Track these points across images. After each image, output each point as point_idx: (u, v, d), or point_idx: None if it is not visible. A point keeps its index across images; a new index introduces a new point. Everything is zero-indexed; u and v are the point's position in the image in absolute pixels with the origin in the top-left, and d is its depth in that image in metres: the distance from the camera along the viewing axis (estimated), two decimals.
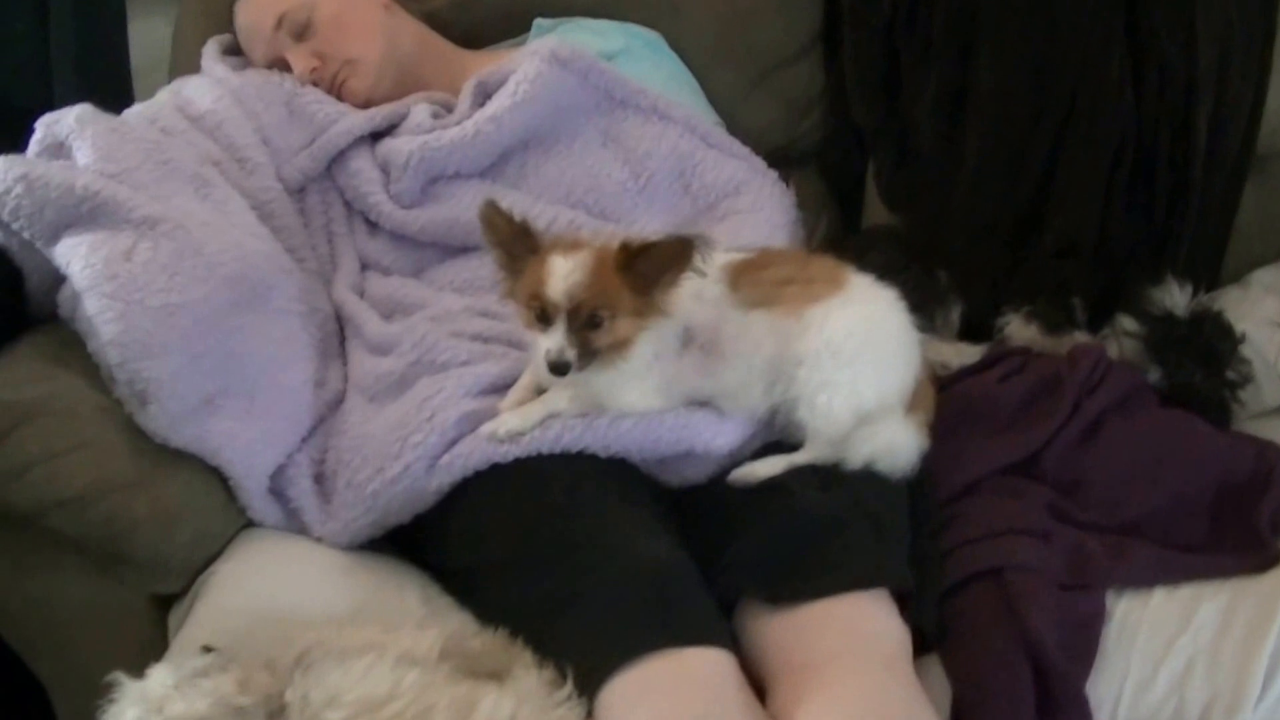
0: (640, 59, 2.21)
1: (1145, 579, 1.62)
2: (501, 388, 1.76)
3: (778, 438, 1.73)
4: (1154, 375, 1.83)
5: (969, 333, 1.97)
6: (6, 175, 1.80)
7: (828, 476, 1.65)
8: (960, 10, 2.03)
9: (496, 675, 1.60)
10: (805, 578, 1.54)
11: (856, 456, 1.66)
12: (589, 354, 1.58)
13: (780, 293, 1.69)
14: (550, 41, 2.05)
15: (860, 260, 1.95)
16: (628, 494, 1.67)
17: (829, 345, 1.66)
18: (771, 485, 1.67)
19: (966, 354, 1.93)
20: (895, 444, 1.68)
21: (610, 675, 1.46)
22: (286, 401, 1.83)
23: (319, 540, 1.81)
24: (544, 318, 1.57)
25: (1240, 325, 1.87)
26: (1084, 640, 1.55)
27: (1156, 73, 1.95)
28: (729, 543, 1.61)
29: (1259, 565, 1.62)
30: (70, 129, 1.91)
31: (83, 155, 1.87)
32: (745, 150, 2.13)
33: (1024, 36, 1.97)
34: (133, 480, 1.71)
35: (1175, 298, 1.85)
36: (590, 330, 1.57)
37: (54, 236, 1.80)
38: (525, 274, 1.59)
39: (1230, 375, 1.83)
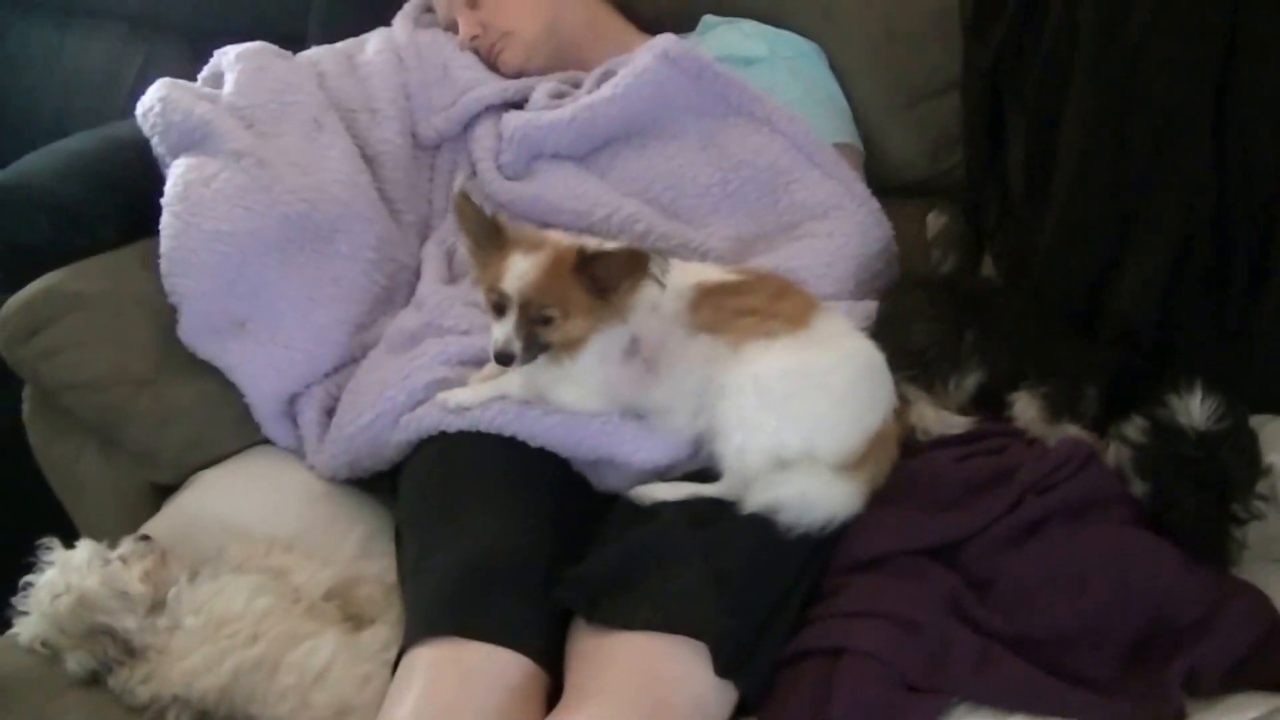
0: (778, 68, 2.21)
1: (1005, 700, 1.48)
2: (482, 361, 1.84)
3: (704, 465, 1.68)
4: (1140, 489, 1.62)
5: (985, 403, 1.81)
6: (152, 94, 2.11)
7: (710, 514, 1.60)
8: (1052, 69, 1.85)
9: (367, 622, 1.70)
10: (620, 605, 1.55)
11: (758, 499, 1.62)
12: (536, 348, 1.65)
13: (734, 322, 1.69)
14: (668, 39, 2.10)
15: (893, 303, 1.88)
16: (523, 485, 1.73)
17: (756, 383, 1.64)
18: (650, 510, 1.66)
19: (951, 424, 1.79)
20: (808, 498, 1.62)
21: (409, 647, 1.56)
22: (309, 338, 2.01)
23: (310, 469, 1.95)
24: (499, 308, 1.65)
25: (1272, 456, 1.62)
26: None
27: (1242, 165, 1.70)
28: (588, 553, 1.61)
29: None
30: (229, 62, 2.16)
31: (227, 86, 2.16)
32: (850, 175, 2.08)
33: (1109, 110, 1.78)
34: (143, 378, 1.97)
35: (1193, 408, 1.62)
36: (540, 326, 1.64)
37: (174, 153, 2.07)
38: (489, 265, 1.66)
39: (1236, 508, 1.59)
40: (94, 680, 1.67)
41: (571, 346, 1.66)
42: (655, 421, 1.72)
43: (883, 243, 2.06)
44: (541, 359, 1.66)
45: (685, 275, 1.71)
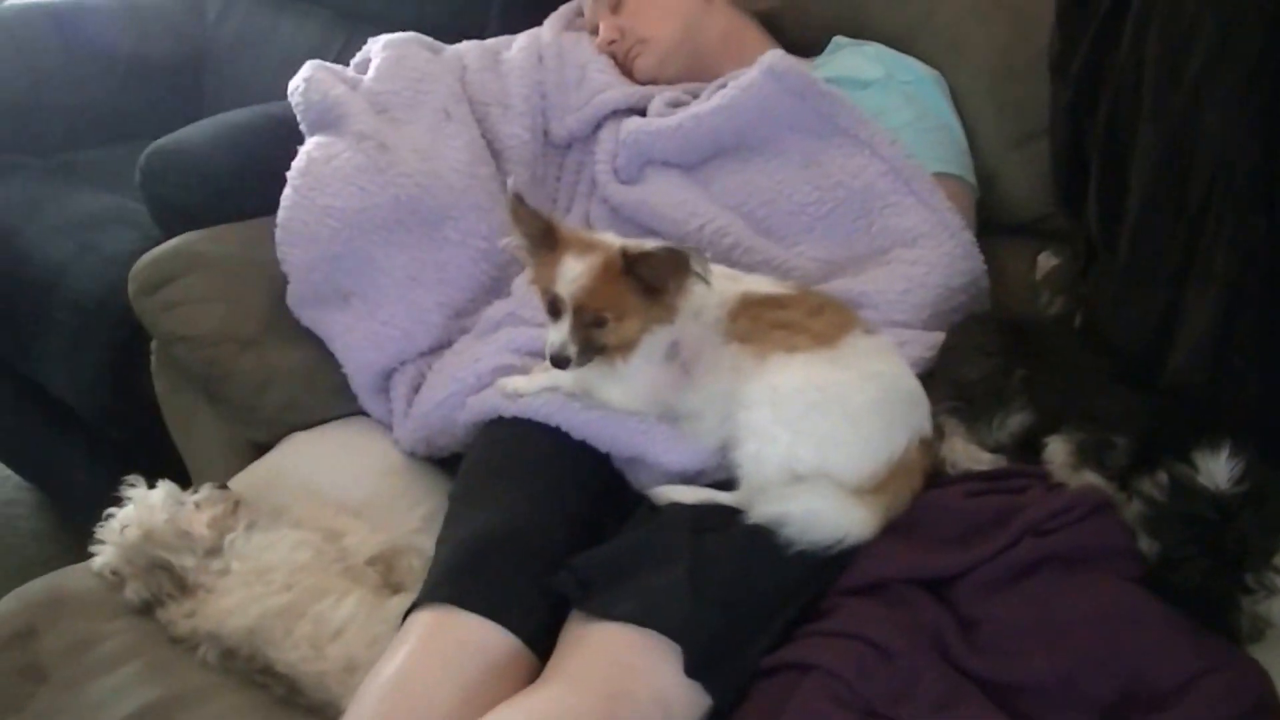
0: (892, 93, 2.20)
1: None
2: None
3: (731, 473, 1.73)
4: (1148, 546, 1.56)
5: (1029, 445, 1.77)
6: (300, 74, 2.29)
7: (715, 521, 1.64)
8: (1120, 108, 1.79)
9: (402, 590, 1.81)
10: (606, 596, 1.59)
11: (764, 511, 1.65)
12: (591, 350, 1.72)
13: (767, 334, 1.72)
14: (776, 55, 2.14)
15: (955, 336, 1.88)
16: (554, 473, 1.81)
17: (774, 396, 1.67)
18: (654, 510, 1.72)
19: (979, 460, 1.76)
20: (815, 516, 1.64)
21: (412, 610, 1.65)
22: (408, 318, 2.12)
23: (395, 442, 2.07)
24: (554, 311, 1.72)
25: None
26: None
27: None
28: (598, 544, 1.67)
29: None
30: (378, 50, 2.32)
31: (370, 72, 2.29)
32: (945, 205, 2.07)
33: (1170, 151, 1.70)
34: (249, 338, 2.14)
35: (1216, 468, 1.55)
36: (595, 328, 1.70)
37: (311, 131, 2.24)
38: (543, 267, 1.73)
39: (1248, 579, 1.52)
40: (146, 610, 1.82)
41: (625, 348, 1.71)
42: (686, 426, 1.76)
43: (969, 276, 2.05)
44: (594, 361, 1.72)
45: (734, 284, 1.76)
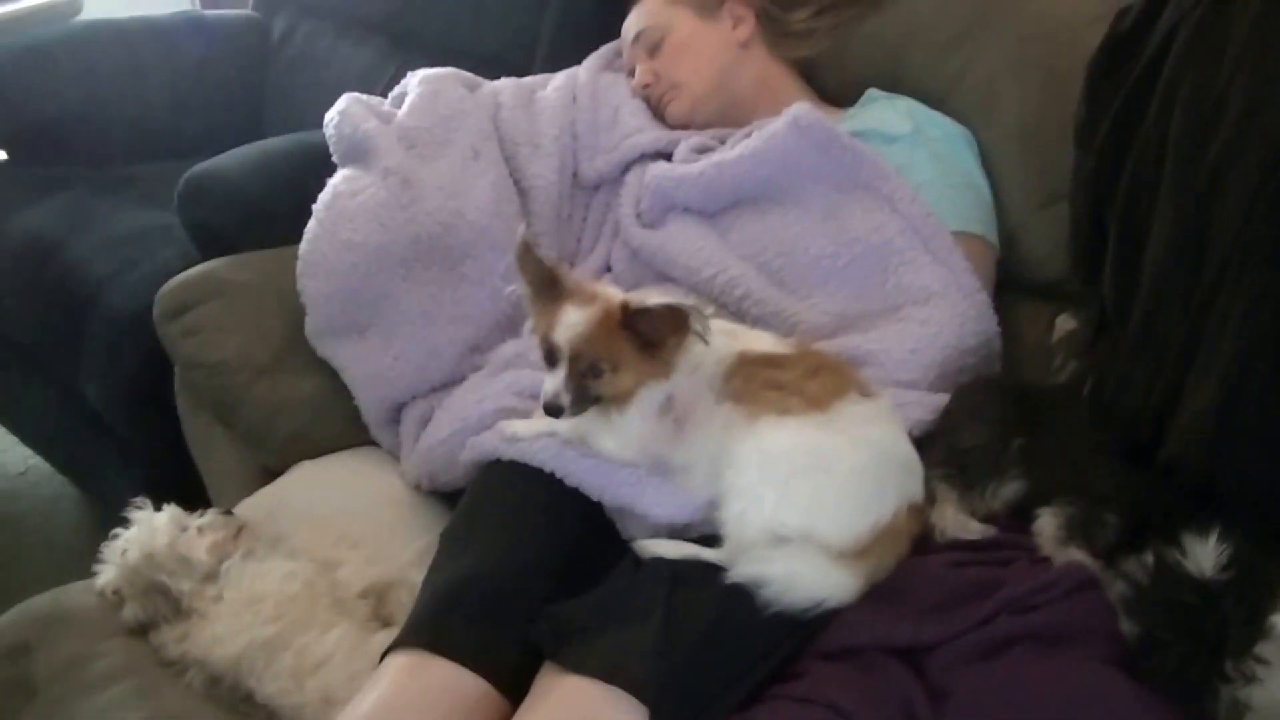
0: (919, 148, 2.16)
1: None
2: None
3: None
4: (1128, 628, 1.53)
5: (1023, 515, 1.74)
6: (336, 106, 2.31)
7: (695, 578, 1.63)
8: (1140, 183, 1.74)
9: (391, 625, 1.82)
10: (578, 649, 1.58)
11: (744, 570, 1.62)
12: (586, 400, 1.71)
13: (760, 394, 1.69)
14: (801, 107, 2.10)
15: (957, 400, 1.86)
16: (543, 520, 1.79)
17: (761, 457, 1.65)
18: (638, 562, 1.70)
19: (968, 529, 1.71)
20: (795, 578, 1.61)
21: (389, 651, 1.65)
22: (421, 353, 2.12)
23: (401, 475, 2.09)
24: (551, 359, 1.71)
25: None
26: None
27: None
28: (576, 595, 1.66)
29: None
30: (414, 84, 2.34)
31: (404, 107, 2.30)
32: (962, 265, 2.02)
33: (1187, 231, 1.65)
34: (264, 366, 2.16)
35: (1202, 553, 1.51)
36: (590, 379, 1.69)
37: (342, 163, 2.26)
38: (544, 315, 1.73)
39: (1228, 668, 1.48)
40: (141, 631, 1.84)
41: (620, 400, 1.70)
42: (677, 480, 1.74)
43: (980, 338, 2.01)
44: (591, 410, 1.72)
45: (733, 342, 1.74)
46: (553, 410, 1.68)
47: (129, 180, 3.03)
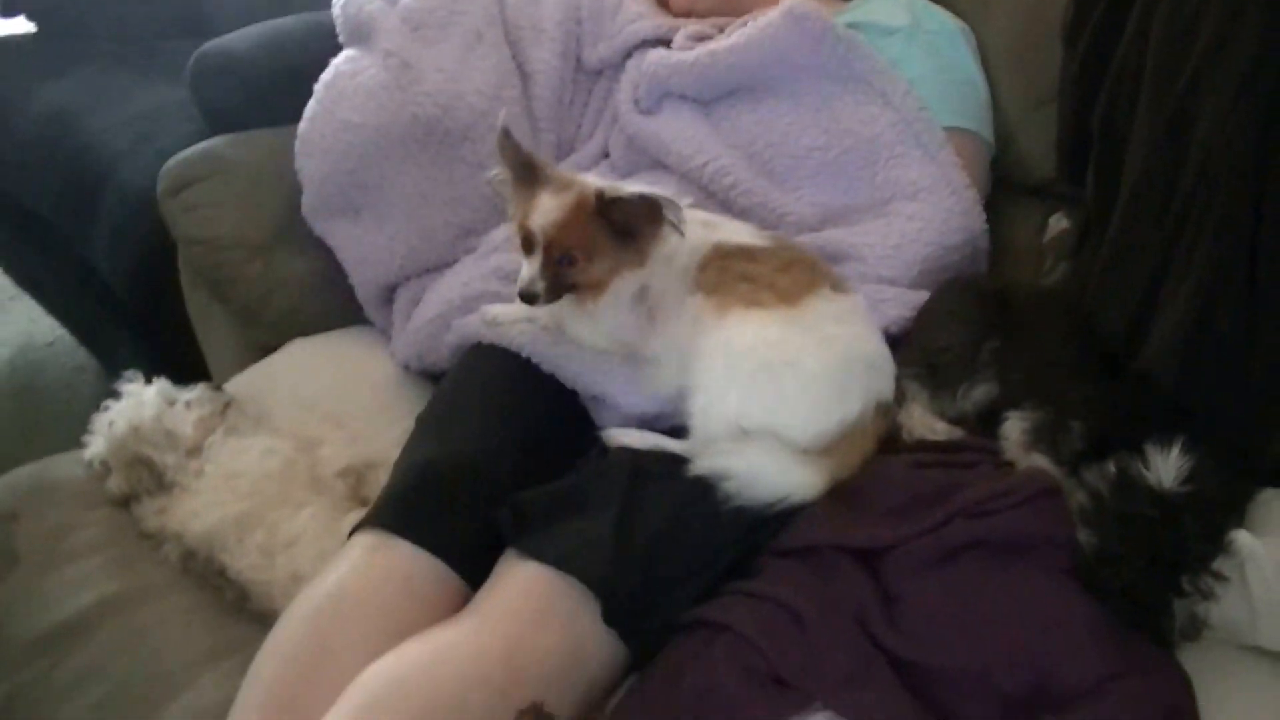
0: (915, 42, 2.10)
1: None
2: None
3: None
4: (1085, 539, 1.50)
5: (993, 418, 1.70)
6: None
7: (657, 470, 1.62)
8: (1122, 85, 1.69)
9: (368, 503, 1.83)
10: (537, 537, 1.57)
11: (707, 463, 1.61)
12: (560, 288, 1.69)
13: (730, 286, 1.67)
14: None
15: (935, 299, 1.84)
16: (516, 406, 1.78)
17: (726, 351, 1.63)
18: (604, 452, 1.69)
19: (934, 430, 1.68)
20: (758, 474, 1.59)
21: (355, 532, 1.65)
22: (415, 234, 2.10)
23: (391, 355, 2.09)
24: (528, 246, 1.69)
25: (1254, 538, 1.45)
26: None
27: (1276, 222, 1.52)
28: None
29: None
30: None
31: None
32: (952, 161, 1.98)
33: (1166, 133, 1.60)
34: (260, 244, 2.15)
35: (1162, 464, 1.47)
36: (565, 267, 1.67)
37: (347, 44, 2.26)
38: (522, 203, 1.71)
39: (1184, 583, 1.45)
40: (124, 503, 1.84)
41: (595, 289, 1.69)
42: (647, 370, 1.72)
43: (965, 235, 1.96)
44: (568, 297, 1.70)
45: (710, 233, 1.71)
46: (527, 297, 1.67)
47: (153, 56, 2.99)
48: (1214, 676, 1.47)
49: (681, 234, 1.63)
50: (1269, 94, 1.52)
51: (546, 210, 1.64)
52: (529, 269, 1.66)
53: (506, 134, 1.70)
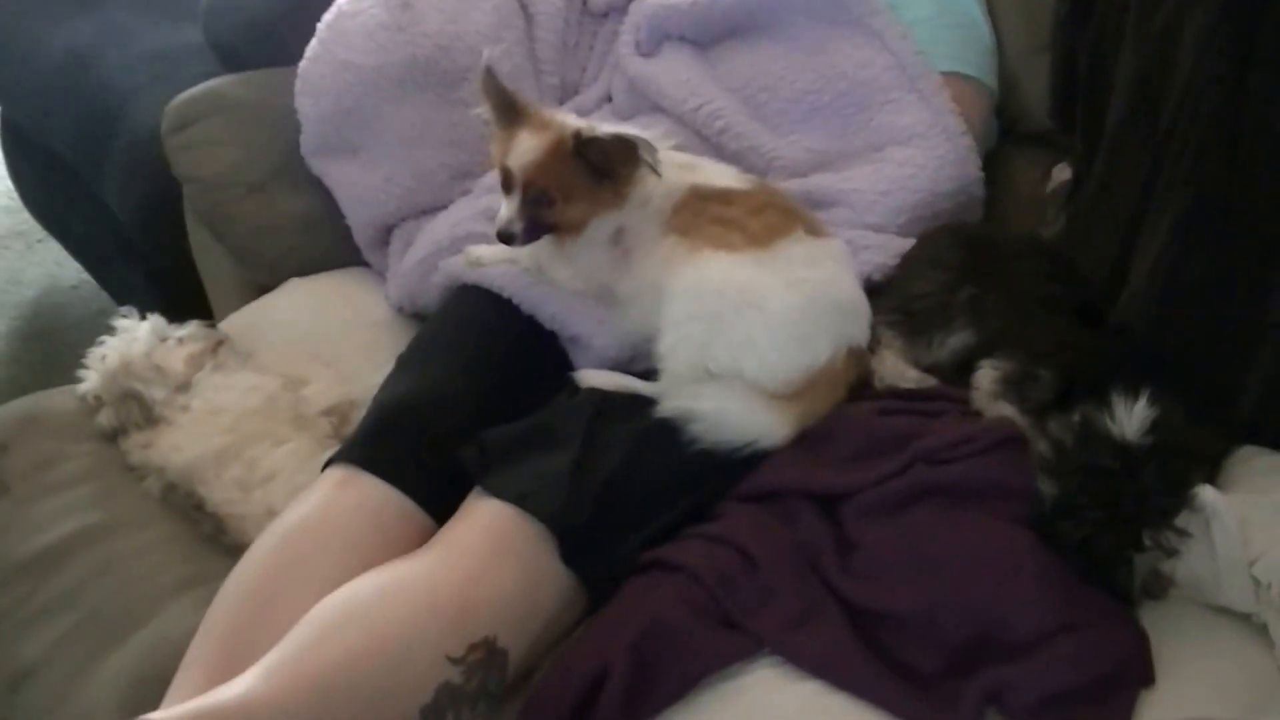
0: None
1: (808, 664, 1.38)
2: None
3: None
4: (1046, 489, 1.47)
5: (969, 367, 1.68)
6: None
7: (622, 411, 1.62)
8: (1106, 29, 1.66)
9: None
10: (500, 474, 1.57)
11: (673, 404, 1.61)
12: (539, 229, 1.69)
13: (703, 228, 1.66)
14: None
15: (918, 246, 1.82)
16: (491, 346, 1.79)
17: (694, 291, 1.62)
18: (575, 393, 1.68)
19: (905, 377, 1.65)
20: (725, 416, 1.60)
21: (328, 465, 1.66)
22: (411, 175, 2.10)
23: (385, 296, 2.09)
24: (507, 186, 1.69)
25: (1218, 493, 1.42)
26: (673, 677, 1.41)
27: (1248, 172, 1.47)
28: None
29: None
30: None
31: None
32: (947, 107, 1.93)
33: (1146, 78, 1.57)
34: (256, 183, 2.15)
35: (1126, 416, 1.44)
36: (542, 207, 1.67)
37: None
38: (503, 142, 1.70)
39: (1145, 537, 1.42)
40: (113, 436, 1.86)
41: (572, 229, 1.68)
42: (619, 311, 1.72)
43: (959, 183, 1.93)
44: (547, 238, 1.70)
45: (687, 175, 1.70)
46: (505, 237, 1.67)
47: None
48: (1175, 634, 1.43)
49: (658, 174, 1.63)
50: (1245, 24, 1.49)
51: (524, 150, 1.64)
52: (507, 209, 1.66)
53: (489, 72, 1.69)
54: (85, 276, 3.40)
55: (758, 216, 1.66)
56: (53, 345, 3.11)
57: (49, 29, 2.91)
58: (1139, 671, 1.38)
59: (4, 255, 3.77)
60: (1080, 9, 1.74)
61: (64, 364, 1.93)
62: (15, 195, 3.54)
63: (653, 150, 1.61)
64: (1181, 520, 1.42)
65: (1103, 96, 1.67)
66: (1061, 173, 1.99)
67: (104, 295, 3.23)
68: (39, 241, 3.71)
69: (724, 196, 1.69)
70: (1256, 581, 1.42)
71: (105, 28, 2.86)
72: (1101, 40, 1.69)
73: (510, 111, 1.68)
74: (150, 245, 2.57)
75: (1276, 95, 1.47)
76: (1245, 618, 1.43)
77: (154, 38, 2.79)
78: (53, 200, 3.24)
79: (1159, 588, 1.46)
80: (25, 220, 3.64)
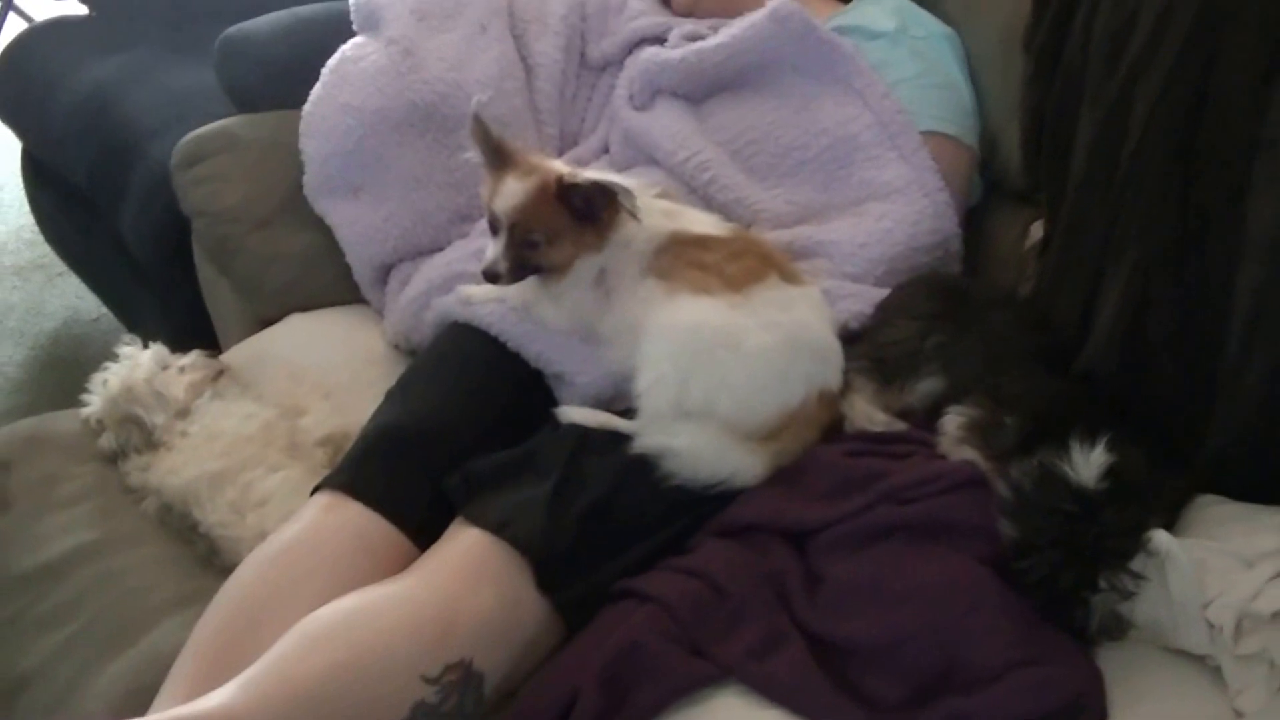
0: (900, 46, 2.11)
1: (771, 691, 1.42)
2: None
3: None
4: (1006, 530, 1.51)
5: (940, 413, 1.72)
6: None
7: (602, 446, 1.67)
8: (1068, 89, 1.71)
9: None
10: (481, 503, 1.62)
11: (648, 441, 1.66)
12: (524, 269, 1.75)
13: (682, 272, 1.72)
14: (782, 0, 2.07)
15: (893, 294, 1.87)
16: (480, 380, 1.85)
17: (670, 331, 1.68)
18: (556, 428, 1.73)
19: (874, 420, 1.69)
20: (697, 454, 1.64)
21: (315, 491, 1.71)
22: (410, 216, 2.15)
23: (383, 333, 2.14)
24: (494, 228, 1.75)
25: (1171, 538, 1.46)
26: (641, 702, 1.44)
27: (1199, 224, 1.53)
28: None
29: None
30: None
31: None
32: (927, 164, 1.99)
33: (1105, 137, 1.62)
34: (261, 220, 2.22)
35: (1084, 462, 1.48)
36: (527, 249, 1.73)
37: (359, 30, 2.33)
38: (490, 185, 1.76)
39: (1101, 579, 1.46)
40: (113, 459, 1.92)
41: (557, 270, 1.75)
42: (602, 350, 1.78)
43: (936, 238, 1.97)
44: (534, 278, 1.76)
45: (669, 222, 1.76)
46: (491, 277, 1.73)
47: (199, 41, 3.04)
48: (1132, 674, 1.47)
49: (637, 219, 1.69)
50: (1193, 86, 1.54)
51: (510, 194, 1.71)
52: (493, 249, 1.73)
53: (477, 119, 1.76)
54: (104, 310, 3.47)
55: (735, 262, 1.71)
56: (69, 375, 3.15)
57: (74, 68, 2.99)
58: (1093, 708, 1.41)
59: (26, 287, 3.85)
60: (1044, 70, 1.79)
61: (78, 393, 2.00)
62: (37, 229, 3.60)
63: (631, 196, 1.67)
64: (1138, 563, 1.46)
65: (1065, 155, 1.72)
66: (1038, 230, 2.03)
67: (122, 328, 3.26)
68: (59, 274, 3.78)
69: (703, 242, 1.74)
70: (1211, 625, 1.45)
71: (128, 68, 2.94)
72: (1064, 100, 1.74)
73: (499, 156, 1.75)
74: (162, 278, 2.62)
75: (1222, 154, 1.52)
76: (1201, 659, 1.46)
77: (175, 78, 2.86)
78: (71, 233, 3.30)
79: (1118, 629, 1.49)
80: (47, 253, 3.71)
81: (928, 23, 2.16)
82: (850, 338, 1.80)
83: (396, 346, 2.11)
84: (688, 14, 2.32)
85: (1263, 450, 1.57)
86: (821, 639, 1.49)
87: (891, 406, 1.73)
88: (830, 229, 1.97)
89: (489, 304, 1.87)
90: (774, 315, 1.67)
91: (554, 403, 1.82)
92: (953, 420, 1.66)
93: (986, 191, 2.16)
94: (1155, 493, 1.52)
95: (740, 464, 1.65)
